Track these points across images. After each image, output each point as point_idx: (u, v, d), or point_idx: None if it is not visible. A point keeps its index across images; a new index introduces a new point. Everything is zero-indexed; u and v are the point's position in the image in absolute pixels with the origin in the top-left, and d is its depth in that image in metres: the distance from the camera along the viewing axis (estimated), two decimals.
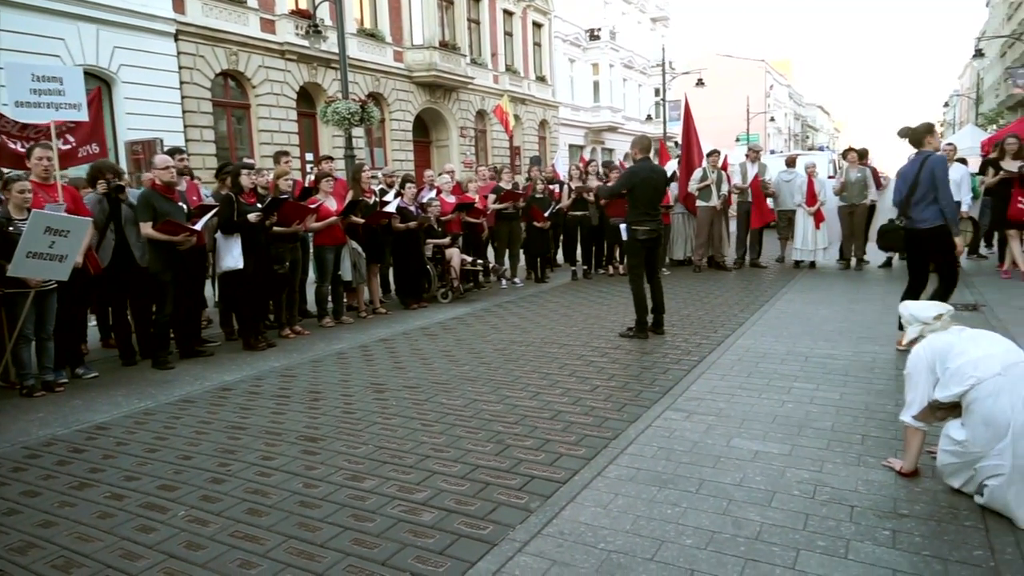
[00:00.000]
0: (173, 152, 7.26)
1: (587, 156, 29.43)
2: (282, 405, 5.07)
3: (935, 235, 5.59)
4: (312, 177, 9.16)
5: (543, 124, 31.90)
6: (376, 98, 21.07)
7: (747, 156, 12.16)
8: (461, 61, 24.73)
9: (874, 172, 11.26)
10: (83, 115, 6.70)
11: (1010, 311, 7.04)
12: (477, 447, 4.03)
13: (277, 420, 4.72)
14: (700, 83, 31.83)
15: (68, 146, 7.04)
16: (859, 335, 6.42)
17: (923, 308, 3.48)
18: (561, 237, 11.97)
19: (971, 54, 34.76)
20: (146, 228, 6.19)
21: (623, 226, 6.93)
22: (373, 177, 9.39)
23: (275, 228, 7.11)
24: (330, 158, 9.75)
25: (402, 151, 22.98)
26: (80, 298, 6.27)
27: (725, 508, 3.15)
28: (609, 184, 9.43)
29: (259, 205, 6.97)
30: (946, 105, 76.40)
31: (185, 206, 6.63)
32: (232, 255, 6.72)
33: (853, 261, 11.11)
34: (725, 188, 11.39)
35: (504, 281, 10.71)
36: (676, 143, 16.01)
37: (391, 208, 8.52)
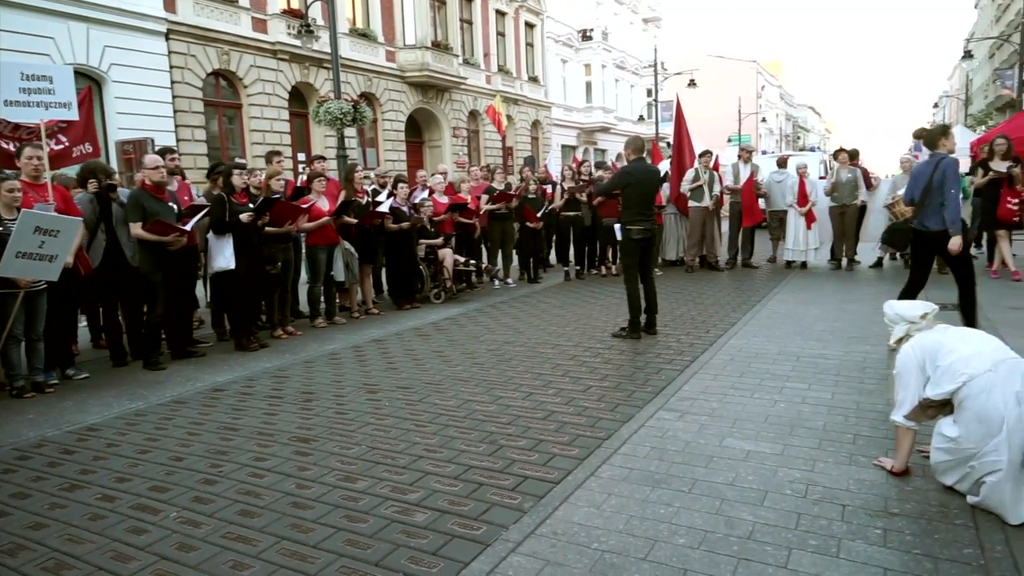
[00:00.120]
0: (164, 152, 7.23)
1: (580, 156, 29.48)
2: (274, 406, 5.05)
3: (944, 238, 5.60)
4: (304, 177, 9.14)
5: (536, 124, 31.91)
6: (368, 98, 21.00)
7: (739, 156, 12.21)
8: (453, 61, 24.71)
9: (865, 173, 11.32)
10: (73, 114, 6.65)
11: (999, 311, 7.09)
12: (470, 448, 4.03)
13: (269, 421, 4.71)
14: (692, 84, 31.95)
15: (61, 146, 7.01)
16: (850, 335, 6.45)
17: (909, 307, 3.50)
18: (554, 237, 11.99)
19: (960, 56, 34.98)
20: (136, 228, 6.17)
21: (617, 226, 6.95)
22: (366, 177, 9.38)
23: (267, 228, 7.08)
24: (322, 158, 9.73)
25: (394, 151, 22.94)
26: (70, 298, 6.23)
27: (718, 508, 3.16)
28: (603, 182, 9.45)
29: (251, 205, 6.94)
30: (935, 106, 76.89)
31: (175, 206, 6.60)
32: (224, 255, 6.69)
33: (844, 261, 11.17)
34: (717, 189, 11.43)
35: (497, 281, 10.71)
36: (668, 143, 16.03)
37: (384, 208, 8.51)
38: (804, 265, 11.39)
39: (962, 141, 15.39)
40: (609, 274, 11.31)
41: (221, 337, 7.44)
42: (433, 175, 10.99)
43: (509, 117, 24.92)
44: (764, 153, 28.42)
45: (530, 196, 10.85)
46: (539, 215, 10.76)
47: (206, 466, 3.94)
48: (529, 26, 31.48)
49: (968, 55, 32.53)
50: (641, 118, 40.10)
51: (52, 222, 5.38)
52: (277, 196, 7.31)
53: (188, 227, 6.39)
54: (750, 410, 4.47)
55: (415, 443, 4.14)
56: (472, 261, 10.10)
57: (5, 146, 6.73)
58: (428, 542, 2.96)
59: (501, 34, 29.32)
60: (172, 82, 15.94)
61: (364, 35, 21.67)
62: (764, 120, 60.59)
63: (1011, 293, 8.19)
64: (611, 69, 38.25)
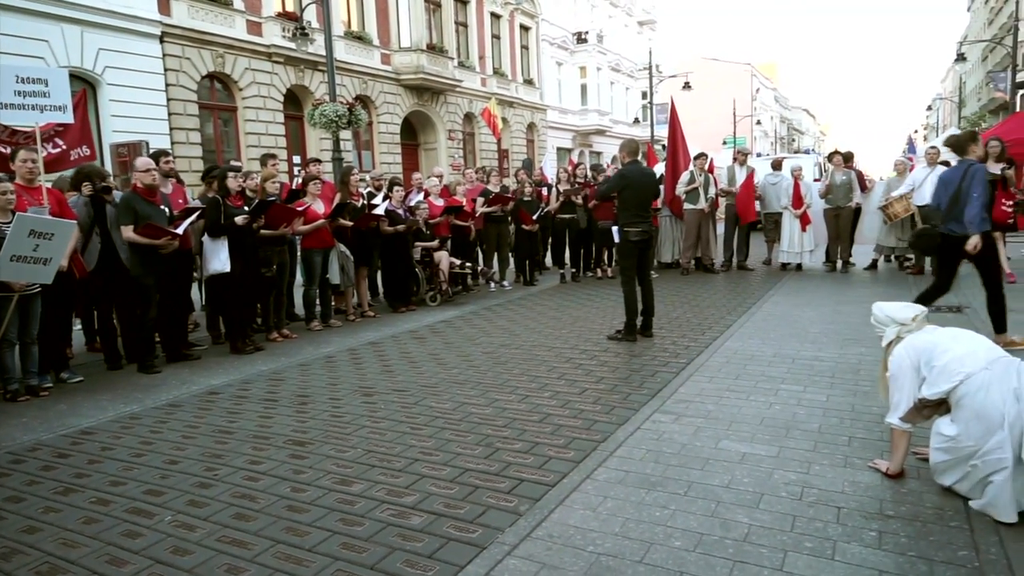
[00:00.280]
0: (159, 155, 7.20)
1: (575, 159, 29.51)
2: (270, 409, 5.04)
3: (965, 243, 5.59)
4: (300, 180, 9.13)
5: (531, 127, 31.95)
6: (364, 101, 21.02)
7: (735, 159, 12.25)
8: (449, 64, 24.74)
9: (859, 175, 11.36)
10: (68, 117, 6.65)
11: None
12: (466, 450, 4.02)
13: (265, 424, 4.70)
14: (687, 86, 31.99)
15: (59, 150, 7.00)
16: (845, 337, 6.46)
17: (900, 309, 3.50)
18: (550, 240, 12.00)
19: (953, 58, 35.14)
20: (127, 231, 6.14)
21: (615, 228, 6.97)
22: (361, 180, 9.37)
23: (263, 231, 7.07)
24: (318, 161, 9.72)
25: (390, 154, 22.94)
26: (65, 301, 6.21)
27: (713, 510, 3.16)
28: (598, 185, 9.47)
29: (246, 208, 6.93)
30: (929, 108, 77.21)
31: (167, 209, 6.56)
32: (219, 258, 6.68)
33: (839, 263, 11.20)
34: (712, 191, 11.46)
35: (492, 284, 10.71)
36: (663, 146, 16.07)
37: (379, 211, 8.51)
38: (799, 267, 11.41)
39: None
40: (605, 276, 11.32)
41: (216, 340, 7.42)
42: (429, 178, 10.99)
43: (504, 120, 24.96)
44: (759, 156, 28.47)
45: (526, 199, 10.85)
46: (535, 217, 10.76)
47: (201, 469, 3.93)
48: (524, 29, 31.53)
49: (961, 58, 32.70)
50: (636, 121, 40.18)
51: (46, 225, 5.36)
52: (272, 199, 7.30)
53: (180, 230, 6.37)
54: (746, 412, 4.48)
55: (411, 446, 4.14)
56: (468, 264, 10.10)
57: (2, 150, 6.72)
58: (424, 545, 2.95)
59: (496, 37, 29.36)
60: (167, 85, 15.93)
61: (359, 38, 21.68)
62: (759, 123, 60.73)
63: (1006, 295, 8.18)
64: (606, 72, 38.35)
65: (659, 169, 12.15)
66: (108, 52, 14.59)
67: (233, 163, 10.17)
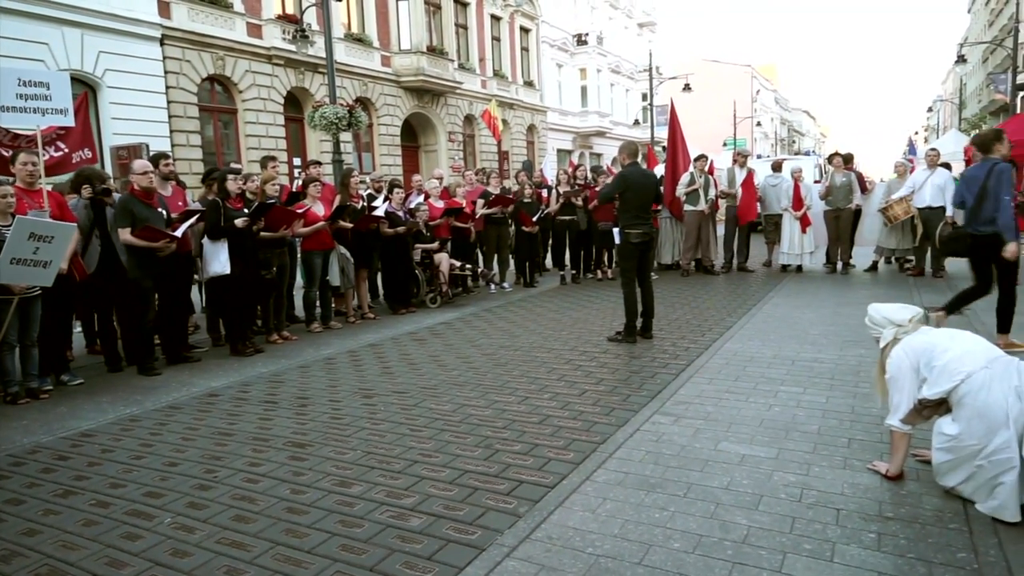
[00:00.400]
0: (159, 157, 7.21)
1: (576, 161, 29.51)
2: (270, 411, 5.05)
3: (994, 241, 5.59)
4: (300, 182, 9.14)
5: (531, 129, 31.95)
6: (364, 103, 21.03)
7: (735, 161, 12.25)
8: (449, 66, 24.75)
9: (859, 177, 11.37)
10: (70, 120, 6.68)
11: (993, 315, 7.09)
12: (465, 452, 4.03)
13: (264, 426, 4.70)
14: (687, 88, 31.99)
15: (61, 153, 7.02)
16: (845, 339, 6.46)
17: (897, 310, 3.50)
18: (550, 241, 12.00)
19: (954, 60, 35.15)
20: (124, 234, 6.14)
21: (616, 230, 6.97)
22: (361, 182, 9.38)
23: (263, 233, 7.08)
24: (318, 163, 9.74)
25: (390, 156, 22.95)
26: (65, 304, 6.22)
27: (713, 512, 3.16)
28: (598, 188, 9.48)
29: (246, 210, 6.94)
30: (930, 110, 77.13)
31: (164, 211, 6.56)
32: (219, 260, 6.69)
33: (839, 265, 11.20)
34: (712, 193, 11.46)
35: (493, 286, 10.71)
36: (663, 148, 16.07)
37: (379, 213, 8.51)
38: (799, 269, 11.42)
39: (956, 145, 15.51)
40: (605, 278, 11.32)
41: (216, 342, 7.42)
42: (429, 179, 11.00)
43: (504, 122, 24.97)
44: (759, 157, 28.49)
45: (526, 200, 10.86)
46: (535, 219, 10.77)
47: (201, 471, 3.93)
48: (524, 31, 31.54)
49: (962, 59, 32.70)
50: (636, 122, 40.17)
51: (46, 228, 5.37)
52: (272, 201, 7.30)
53: (178, 233, 6.37)
54: (745, 414, 4.48)
55: (410, 448, 4.14)
56: (468, 265, 10.10)
57: (3, 153, 6.74)
58: (423, 547, 2.95)
59: (496, 39, 29.38)
60: (167, 87, 15.93)
61: (359, 40, 21.70)
62: (759, 124, 60.74)
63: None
64: (606, 73, 38.36)
65: (659, 171, 12.16)
66: (108, 55, 14.60)
67: (233, 165, 10.18)
